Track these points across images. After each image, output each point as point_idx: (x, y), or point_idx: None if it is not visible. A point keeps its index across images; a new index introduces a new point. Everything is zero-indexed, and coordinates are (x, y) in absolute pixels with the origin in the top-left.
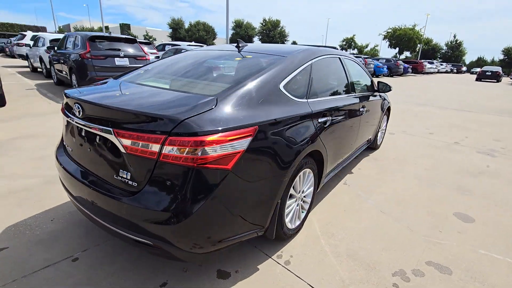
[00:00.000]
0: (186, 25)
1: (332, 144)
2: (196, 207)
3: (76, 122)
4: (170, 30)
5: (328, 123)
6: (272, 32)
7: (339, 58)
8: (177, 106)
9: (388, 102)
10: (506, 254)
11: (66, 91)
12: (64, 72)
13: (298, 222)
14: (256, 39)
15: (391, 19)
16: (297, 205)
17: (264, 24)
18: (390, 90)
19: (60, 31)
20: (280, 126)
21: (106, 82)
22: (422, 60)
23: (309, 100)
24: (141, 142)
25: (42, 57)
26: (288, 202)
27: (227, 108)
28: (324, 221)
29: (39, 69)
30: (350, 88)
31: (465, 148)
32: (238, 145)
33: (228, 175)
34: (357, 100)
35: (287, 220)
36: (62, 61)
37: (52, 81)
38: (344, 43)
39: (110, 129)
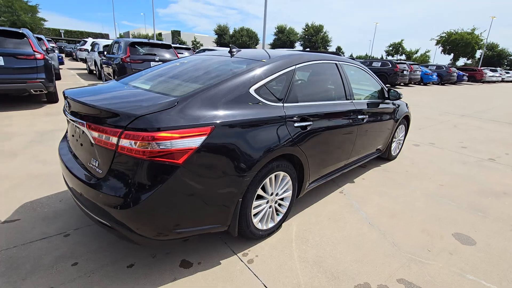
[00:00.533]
0: (231, 31)
1: (318, 150)
2: (145, 195)
3: (67, 116)
4: (216, 36)
5: (309, 128)
6: (314, 38)
7: (336, 64)
8: (141, 104)
9: (405, 111)
10: (498, 283)
11: (64, 90)
12: (109, 74)
13: (271, 224)
14: (297, 44)
15: (447, 23)
16: (270, 207)
17: (306, 29)
18: (399, 98)
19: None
20: (243, 127)
21: (107, 82)
22: (482, 68)
23: (286, 104)
24: (104, 134)
25: (96, 60)
26: (256, 203)
27: (186, 108)
28: (303, 226)
29: (94, 71)
30: (346, 94)
31: (500, 165)
32: (190, 143)
33: (178, 170)
34: (353, 107)
35: (255, 220)
36: (109, 64)
37: (102, 82)
38: (390, 48)
39: (84, 122)
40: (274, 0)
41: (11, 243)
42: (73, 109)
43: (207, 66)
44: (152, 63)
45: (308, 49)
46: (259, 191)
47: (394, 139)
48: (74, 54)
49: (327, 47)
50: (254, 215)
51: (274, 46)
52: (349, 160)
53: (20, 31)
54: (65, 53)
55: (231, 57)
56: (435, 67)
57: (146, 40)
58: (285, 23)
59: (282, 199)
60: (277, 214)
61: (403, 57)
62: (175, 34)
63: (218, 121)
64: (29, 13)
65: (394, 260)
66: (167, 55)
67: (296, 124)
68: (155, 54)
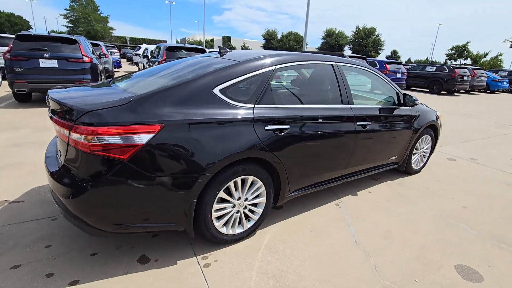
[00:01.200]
0: (279, 36)
1: (301, 157)
2: (88, 188)
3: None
4: (264, 41)
5: (286, 133)
6: (365, 41)
7: (332, 65)
8: (97, 101)
9: (429, 119)
10: None
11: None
12: None
13: (239, 230)
14: (346, 48)
15: None
16: (238, 212)
17: (356, 32)
18: (414, 104)
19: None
20: (198, 127)
21: (100, 83)
22: None
23: (257, 105)
24: (61, 128)
25: (144, 64)
26: (218, 206)
27: (137, 106)
28: (279, 236)
29: None
30: (343, 98)
31: None
32: (137, 139)
33: (122, 165)
34: (349, 112)
35: (217, 223)
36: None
37: None
38: (453, 51)
39: (52, 116)
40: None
41: (7, 221)
42: (51, 106)
43: (187, 67)
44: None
45: (316, 50)
46: (222, 194)
47: (415, 151)
48: (131, 58)
49: (379, 51)
50: (217, 218)
51: (321, 49)
52: (347, 171)
53: (73, 38)
54: (126, 58)
55: (220, 57)
56: (507, 72)
57: (182, 45)
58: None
59: (255, 205)
60: (248, 220)
61: (468, 61)
62: (226, 39)
63: (169, 119)
64: (101, 23)
65: (366, 286)
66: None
67: (267, 127)
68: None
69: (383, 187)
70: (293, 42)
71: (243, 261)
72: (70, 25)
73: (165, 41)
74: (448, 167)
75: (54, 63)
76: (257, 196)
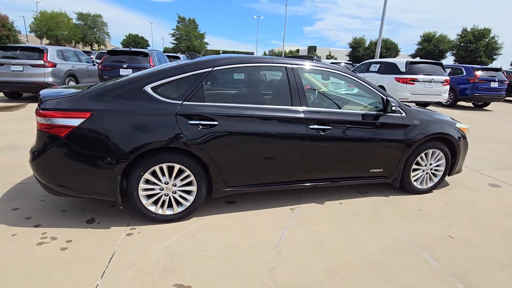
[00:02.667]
0: (368, 43)
1: (234, 153)
2: (39, 155)
3: None
4: (350, 50)
5: (215, 129)
6: (473, 45)
7: (286, 67)
8: (58, 95)
9: (437, 130)
10: None
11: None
12: None
13: (169, 212)
14: (448, 54)
15: None
16: (167, 195)
17: (463, 35)
18: (391, 111)
19: (264, 55)
20: (124, 117)
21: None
22: None
23: (186, 102)
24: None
25: None
26: (145, 186)
27: (80, 98)
28: (209, 225)
29: None
30: (293, 100)
31: None
32: (71, 122)
33: (60, 140)
34: (298, 114)
35: (145, 201)
36: None
37: None
38: None
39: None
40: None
41: (30, 179)
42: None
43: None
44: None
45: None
46: (148, 176)
47: (417, 167)
48: None
49: (494, 56)
50: (147, 196)
51: (415, 57)
52: (309, 176)
53: (146, 52)
54: None
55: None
56: None
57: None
58: (434, 30)
59: (188, 193)
60: (180, 205)
61: None
62: (311, 49)
63: (97, 109)
64: (199, 39)
65: (248, 285)
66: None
67: (192, 122)
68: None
69: (363, 202)
70: (382, 49)
71: (160, 237)
72: (175, 42)
73: (252, 53)
74: (479, 192)
75: (129, 72)
76: (188, 184)
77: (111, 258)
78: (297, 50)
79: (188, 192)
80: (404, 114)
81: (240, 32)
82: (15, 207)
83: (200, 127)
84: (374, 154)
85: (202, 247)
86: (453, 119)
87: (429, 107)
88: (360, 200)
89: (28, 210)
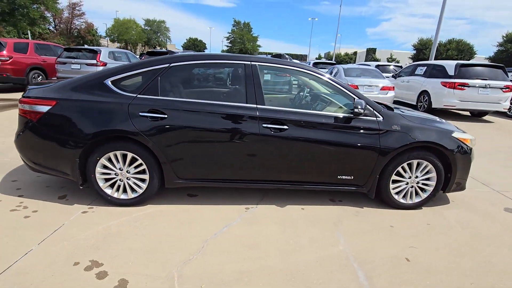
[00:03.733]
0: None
1: (180, 145)
2: (18, 136)
3: None
4: (414, 52)
5: (165, 122)
6: None
7: (245, 65)
8: (47, 85)
9: (419, 139)
10: None
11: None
12: None
13: (124, 196)
14: None
15: None
16: (121, 181)
17: None
18: (358, 113)
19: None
20: (83, 106)
21: None
22: None
23: (140, 95)
24: None
25: None
26: (102, 170)
27: (51, 88)
28: (155, 214)
29: None
30: (248, 97)
31: None
32: (40, 109)
33: (32, 124)
34: (250, 112)
35: (101, 184)
36: None
37: None
38: None
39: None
40: None
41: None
42: None
43: None
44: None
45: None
46: (104, 161)
47: (399, 178)
48: None
49: None
50: (105, 180)
51: (494, 60)
52: (263, 176)
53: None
54: None
55: None
56: None
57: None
58: None
59: (142, 180)
60: (134, 191)
61: None
62: (370, 51)
63: (61, 98)
64: (251, 42)
65: (149, 270)
66: None
67: (141, 113)
68: None
69: (329, 210)
70: (452, 52)
71: (107, 218)
72: (229, 45)
73: (305, 55)
74: (484, 215)
75: None
76: (141, 173)
77: (56, 230)
78: (355, 53)
79: (142, 180)
80: (380, 118)
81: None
82: (15, 179)
83: (150, 119)
84: (341, 160)
85: (137, 232)
86: (454, 127)
87: (487, 117)
88: (327, 207)
89: (22, 183)
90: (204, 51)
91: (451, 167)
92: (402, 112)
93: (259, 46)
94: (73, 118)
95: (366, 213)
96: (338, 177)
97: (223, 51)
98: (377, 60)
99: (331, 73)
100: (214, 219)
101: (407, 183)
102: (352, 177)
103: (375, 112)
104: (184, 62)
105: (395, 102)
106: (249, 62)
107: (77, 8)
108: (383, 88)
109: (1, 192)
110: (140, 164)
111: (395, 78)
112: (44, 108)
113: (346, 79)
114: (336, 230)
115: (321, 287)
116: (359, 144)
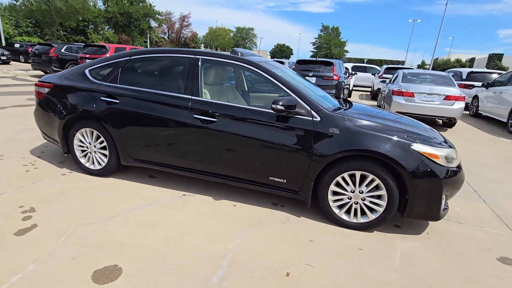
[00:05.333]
0: None
1: (128, 128)
2: (34, 111)
3: None
4: None
5: (116, 106)
6: None
7: (191, 58)
8: (52, 75)
9: (359, 147)
10: None
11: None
12: None
13: (92, 167)
14: None
15: None
16: (90, 153)
17: None
18: (277, 110)
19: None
20: (66, 89)
21: None
22: None
23: (104, 83)
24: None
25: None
26: (78, 143)
27: (56, 75)
28: (112, 186)
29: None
30: (186, 89)
31: None
32: (43, 90)
33: (39, 101)
34: (185, 103)
35: (78, 154)
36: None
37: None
38: None
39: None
40: None
41: None
42: None
43: None
44: (306, 78)
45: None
46: (79, 135)
47: (339, 190)
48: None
49: None
50: (82, 151)
51: None
52: (200, 166)
53: (331, 61)
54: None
55: None
56: None
57: (313, 59)
58: None
59: (105, 155)
60: (99, 164)
61: None
62: (493, 58)
63: (55, 82)
64: (338, 47)
65: None
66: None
67: (102, 98)
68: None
69: (260, 211)
70: None
71: (73, 181)
72: (315, 50)
73: (402, 62)
74: (459, 259)
75: (313, 80)
76: (104, 148)
77: (34, 182)
78: (471, 59)
79: (105, 155)
80: (317, 119)
81: (401, 39)
82: (47, 145)
83: (106, 103)
84: (271, 160)
85: (83, 195)
86: (430, 138)
87: None
88: (260, 209)
89: (49, 149)
90: (290, 57)
91: (406, 185)
92: (360, 113)
93: (346, 51)
94: (60, 98)
95: (296, 223)
96: (270, 178)
97: (311, 56)
98: (504, 68)
99: (395, 79)
100: (146, 197)
101: (350, 198)
102: (285, 180)
103: (312, 111)
104: (142, 55)
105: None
106: (193, 56)
107: (186, 20)
108: (447, 98)
109: (32, 153)
110: (102, 141)
111: (487, 88)
112: (46, 90)
113: (401, 85)
114: (244, 231)
115: (181, 274)
116: (290, 145)
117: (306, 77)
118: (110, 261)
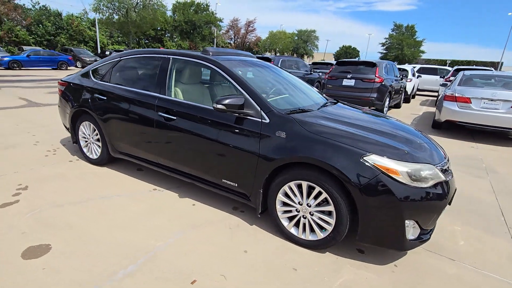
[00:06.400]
0: None
1: (114, 123)
2: (58, 105)
3: None
4: None
5: (103, 102)
6: None
7: (168, 58)
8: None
9: (294, 154)
10: None
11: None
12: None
13: (91, 156)
14: None
15: None
16: (89, 144)
17: None
18: (218, 110)
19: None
20: (76, 87)
21: None
22: None
23: (98, 81)
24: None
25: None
26: (82, 134)
27: (72, 75)
28: (87, 173)
29: None
30: (156, 87)
31: None
32: (61, 88)
33: (59, 97)
34: (152, 101)
35: (82, 144)
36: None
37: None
38: None
39: None
40: None
41: None
42: None
43: None
44: (344, 80)
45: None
46: (82, 128)
47: (289, 202)
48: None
49: None
50: (85, 141)
51: None
52: (169, 163)
53: (374, 62)
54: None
55: None
56: None
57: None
58: None
59: (99, 146)
60: (95, 154)
61: None
62: None
63: (69, 81)
64: (412, 47)
65: None
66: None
67: (95, 95)
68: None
69: (214, 213)
70: None
71: (74, 167)
72: (384, 51)
73: (496, 63)
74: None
75: (351, 82)
76: (98, 140)
77: (43, 166)
78: None
79: (99, 146)
80: (266, 120)
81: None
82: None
83: (98, 100)
84: (223, 161)
85: (74, 181)
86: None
87: None
88: (217, 211)
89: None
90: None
91: (352, 200)
92: (328, 116)
93: (422, 52)
94: (70, 95)
95: (243, 230)
96: (223, 180)
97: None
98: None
99: (454, 81)
100: (121, 188)
101: (298, 211)
102: (236, 184)
103: (261, 112)
104: (129, 56)
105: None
106: (166, 56)
107: (251, 25)
108: None
109: (62, 142)
110: (97, 134)
111: None
112: (63, 88)
113: (456, 88)
114: (185, 230)
115: (94, 262)
116: (239, 147)
117: (344, 79)
118: (47, 240)
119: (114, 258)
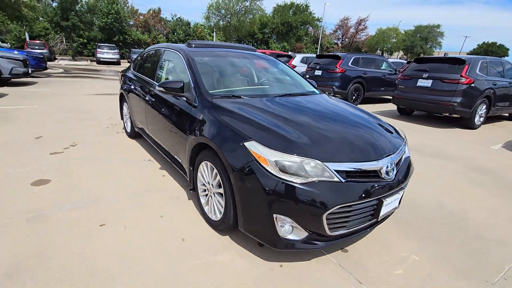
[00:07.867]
0: None
1: (134, 104)
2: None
3: None
4: None
5: (128, 86)
6: None
7: (162, 51)
8: None
9: (198, 134)
10: None
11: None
12: None
13: (128, 129)
14: None
15: None
16: (126, 120)
17: None
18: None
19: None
20: (122, 75)
21: None
22: None
23: (132, 70)
24: None
25: None
26: (123, 112)
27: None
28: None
29: None
30: (155, 74)
31: None
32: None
33: (121, 85)
34: (146, 85)
35: (124, 119)
36: None
37: None
38: None
39: None
40: None
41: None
42: None
43: None
44: (420, 80)
45: None
46: (124, 107)
47: (204, 182)
48: None
49: None
50: (126, 118)
51: None
52: (160, 142)
53: (463, 58)
54: None
55: None
56: None
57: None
58: None
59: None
60: (128, 128)
61: None
62: None
63: (124, 72)
64: None
65: None
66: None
67: (127, 82)
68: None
69: (174, 185)
70: None
71: (112, 137)
72: None
73: None
74: None
75: (428, 83)
76: (129, 118)
77: (96, 134)
78: None
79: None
80: (196, 103)
81: None
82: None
83: (128, 85)
84: (174, 139)
85: (99, 144)
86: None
87: None
88: (176, 185)
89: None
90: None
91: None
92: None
93: None
94: (126, 81)
95: (178, 202)
96: (174, 156)
97: None
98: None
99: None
100: (125, 155)
101: (206, 190)
102: (180, 160)
103: (195, 96)
104: (148, 50)
105: None
106: (163, 48)
107: (362, 23)
108: None
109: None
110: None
111: None
112: (121, 77)
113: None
114: (139, 191)
115: (31, 194)
116: (178, 126)
117: (419, 79)
118: (51, 177)
119: (76, 196)
